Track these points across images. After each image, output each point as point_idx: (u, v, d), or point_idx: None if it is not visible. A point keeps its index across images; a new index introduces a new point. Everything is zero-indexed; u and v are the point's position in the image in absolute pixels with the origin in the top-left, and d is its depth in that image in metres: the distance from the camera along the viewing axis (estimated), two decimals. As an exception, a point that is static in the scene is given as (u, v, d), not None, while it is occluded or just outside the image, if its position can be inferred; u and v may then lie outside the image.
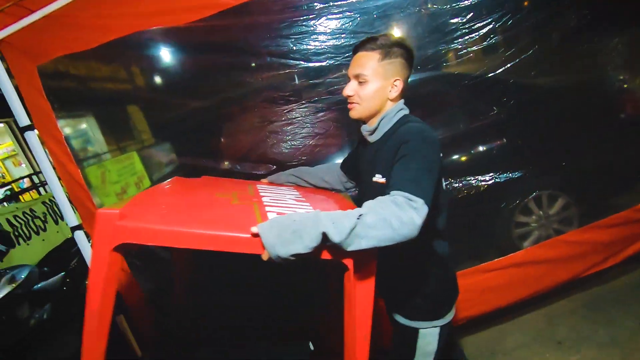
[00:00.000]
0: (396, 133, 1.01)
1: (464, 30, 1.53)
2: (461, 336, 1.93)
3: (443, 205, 1.07)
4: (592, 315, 1.88)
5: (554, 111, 2.20)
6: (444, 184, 1.10)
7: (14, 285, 2.78)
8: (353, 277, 0.85)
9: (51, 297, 3.04)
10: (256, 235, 0.78)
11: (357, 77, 1.05)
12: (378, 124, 1.08)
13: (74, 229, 1.67)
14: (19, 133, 5.56)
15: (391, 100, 1.07)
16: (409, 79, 1.09)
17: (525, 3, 1.69)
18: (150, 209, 0.93)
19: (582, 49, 2.00)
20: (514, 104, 2.23)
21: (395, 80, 1.05)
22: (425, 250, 1.07)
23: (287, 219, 0.79)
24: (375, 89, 1.04)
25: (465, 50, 1.62)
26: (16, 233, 3.53)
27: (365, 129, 1.12)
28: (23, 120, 1.55)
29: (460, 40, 1.56)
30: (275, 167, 1.89)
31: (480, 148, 2.27)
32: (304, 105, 1.64)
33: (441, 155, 1.01)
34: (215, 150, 2.17)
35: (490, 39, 1.60)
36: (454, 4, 1.52)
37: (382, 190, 0.99)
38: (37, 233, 3.82)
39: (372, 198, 0.95)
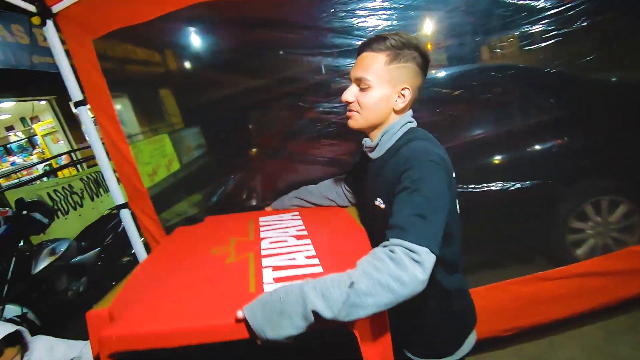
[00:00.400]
0: (399, 153, 0.88)
1: (551, 11, 1.37)
2: (511, 344, 1.82)
3: (455, 234, 0.93)
4: (657, 334, 1.73)
5: (623, 110, 2.01)
6: (457, 207, 0.96)
7: (54, 257, 2.87)
8: (363, 343, 0.76)
9: (87, 271, 3.14)
10: (243, 319, 0.71)
11: (358, 81, 0.91)
12: (380, 139, 0.95)
13: (120, 207, 1.66)
14: (59, 110, 5.74)
15: (396, 111, 0.93)
16: (421, 88, 0.95)
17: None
18: (141, 297, 0.88)
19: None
20: (579, 101, 2.07)
21: (403, 89, 0.90)
22: (429, 286, 0.94)
23: (272, 297, 0.70)
24: (379, 97, 0.90)
25: (546, 35, 1.46)
26: (55, 207, 3.65)
27: (366, 143, 0.99)
28: (76, 95, 1.55)
29: (544, 22, 1.40)
30: (318, 158, 1.81)
31: (537, 147, 2.12)
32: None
33: (453, 175, 0.89)
34: (246, 138, 2.12)
35: (579, 22, 1.42)
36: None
37: (383, 215, 0.89)
38: (75, 208, 3.95)
39: (373, 220, 0.87)
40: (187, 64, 2.29)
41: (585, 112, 2.10)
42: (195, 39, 2.00)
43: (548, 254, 2.26)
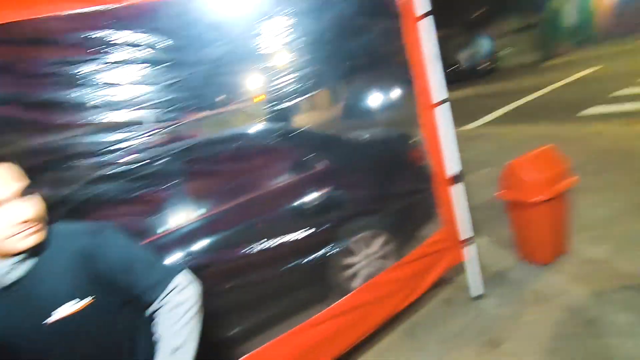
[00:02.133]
0: (55, 246, 0.84)
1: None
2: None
3: None
4: (410, 343, 2.06)
5: (372, 161, 2.58)
6: None
7: None
8: None
9: None
10: None
11: (22, 192, 0.79)
12: None
13: None
14: None
15: None
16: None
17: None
18: None
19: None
20: (337, 155, 2.51)
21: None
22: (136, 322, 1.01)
23: None
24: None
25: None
26: None
27: (13, 261, 0.80)
28: None
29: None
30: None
31: (308, 198, 2.36)
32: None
33: None
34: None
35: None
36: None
37: (79, 322, 0.82)
38: None
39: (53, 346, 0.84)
40: None
41: (342, 164, 2.54)
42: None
43: (332, 295, 2.46)
